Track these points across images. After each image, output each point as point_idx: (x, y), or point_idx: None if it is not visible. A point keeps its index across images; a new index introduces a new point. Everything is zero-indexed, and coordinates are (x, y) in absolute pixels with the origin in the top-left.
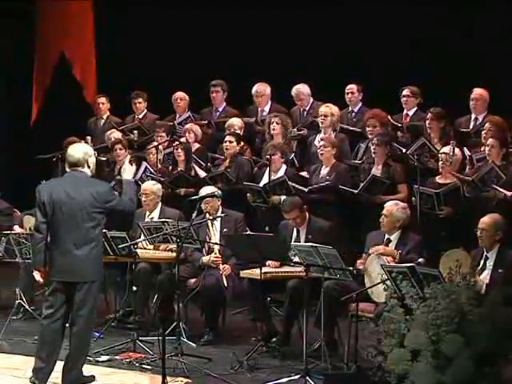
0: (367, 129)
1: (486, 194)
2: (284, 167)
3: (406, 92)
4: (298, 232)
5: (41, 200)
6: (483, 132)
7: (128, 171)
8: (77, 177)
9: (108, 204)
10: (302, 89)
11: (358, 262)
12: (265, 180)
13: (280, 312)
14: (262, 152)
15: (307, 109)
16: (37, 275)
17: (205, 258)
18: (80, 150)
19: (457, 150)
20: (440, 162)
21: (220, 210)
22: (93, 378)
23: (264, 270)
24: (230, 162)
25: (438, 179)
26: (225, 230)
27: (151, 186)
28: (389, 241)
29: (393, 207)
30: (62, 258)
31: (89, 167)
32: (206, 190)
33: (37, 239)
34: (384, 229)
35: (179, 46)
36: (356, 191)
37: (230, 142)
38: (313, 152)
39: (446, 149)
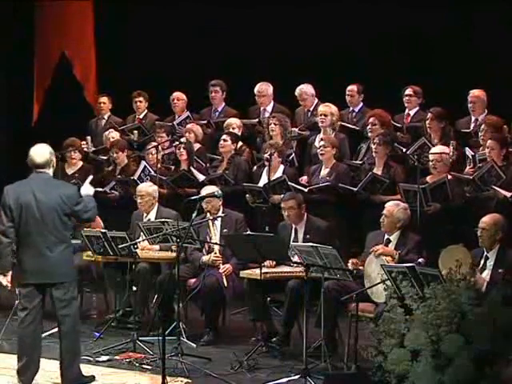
0: (368, 127)
1: (486, 194)
2: (282, 167)
3: (408, 91)
4: (295, 231)
5: (6, 204)
6: (480, 133)
7: (86, 188)
8: (43, 179)
9: (76, 207)
10: (305, 89)
11: (353, 261)
12: (263, 179)
13: (280, 312)
14: (261, 152)
15: (311, 109)
16: (3, 280)
17: (205, 258)
18: (46, 151)
19: (448, 150)
20: (431, 162)
21: (221, 209)
22: (93, 378)
23: (264, 270)
24: (228, 163)
25: (429, 179)
26: (225, 230)
27: (146, 188)
28: (388, 241)
29: (394, 208)
30: (34, 260)
31: (53, 167)
32: (207, 190)
33: (4, 244)
34: (384, 229)
35: (179, 45)
36: (355, 189)
37: (225, 140)
38: (314, 153)
39: (437, 149)
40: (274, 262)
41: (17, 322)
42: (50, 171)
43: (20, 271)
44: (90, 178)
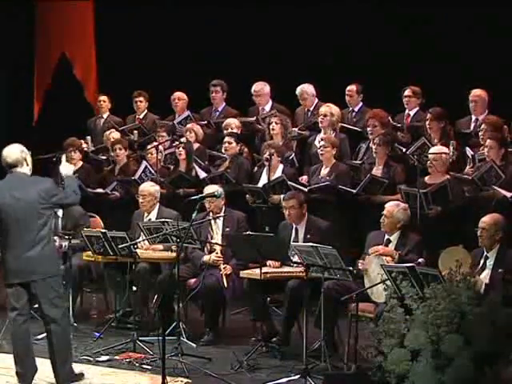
0: (368, 128)
1: (486, 194)
2: (281, 166)
3: (407, 92)
4: (296, 231)
5: None
6: (480, 133)
7: (65, 167)
8: (19, 177)
9: (54, 198)
10: (306, 88)
11: (359, 262)
12: (263, 179)
13: (280, 312)
14: (260, 152)
15: (311, 109)
16: None
17: (206, 257)
18: (16, 150)
19: (446, 150)
20: (428, 162)
21: (223, 209)
22: (81, 375)
23: (264, 270)
24: (230, 163)
25: (427, 179)
26: (227, 229)
27: (148, 188)
28: (389, 241)
29: (394, 208)
30: (15, 260)
31: (27, 165)
32: (208, 189)
33: None
34: (384, 229)
35: (179, 45)
36: (355, 191)
37: (230, 143)
38: (313, 152)
39: (436, 149)
40: (279, 263)
41: None
42: (26, 169)
43: (4, 271)
44: (64, 155)
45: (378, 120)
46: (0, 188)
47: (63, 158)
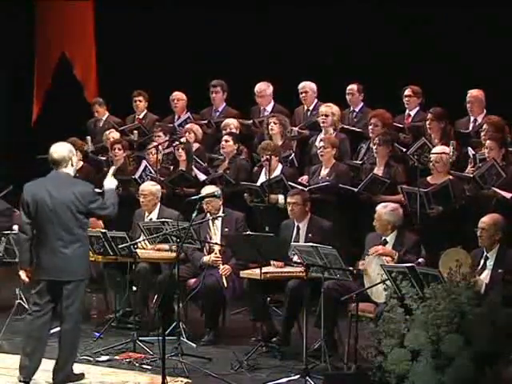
0: (369, 127)
1: (486, 193)
2: (280, 166)
3: (407, 92)
4: (298, 229)
5: (24, 200)
6: (482, 133)
7: (109, 181)
8: (60, 176)
9: (91, 205)
10: (308, 84)
11: (360, 263)
12: (261, 179)
13: (280, 312)
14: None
15: (311, 109)
16: (22, 274)
17: (205, 258)
18: (64, 149)
19: (448, 149)
20: (431, 163)
21: (221, 209)
22: (82, 375)
23: (264, 269)
24: (229, 164)
25: (430, 179)
26: (226, 229)
27: (150, 187)
28: (385, 242)
29: (381, 210)
30: (48, 257)
31: (72, 166)
32: (206, 190)
33: (22, 239)
34: (378, 231)
35: (179, 45)
36: (356, 189)
37: (227, 141)
38: (314, 153)
39: (438, 149)
40: (283, 263)
41: (17, 322)
42: (69, 169)
43: (35, 267)
44: (113, 168)
45: (380, 120)
46: (41, 184)
47: (111, 170)
